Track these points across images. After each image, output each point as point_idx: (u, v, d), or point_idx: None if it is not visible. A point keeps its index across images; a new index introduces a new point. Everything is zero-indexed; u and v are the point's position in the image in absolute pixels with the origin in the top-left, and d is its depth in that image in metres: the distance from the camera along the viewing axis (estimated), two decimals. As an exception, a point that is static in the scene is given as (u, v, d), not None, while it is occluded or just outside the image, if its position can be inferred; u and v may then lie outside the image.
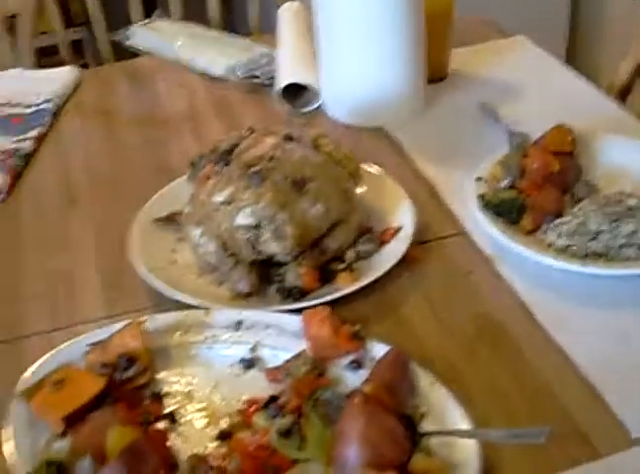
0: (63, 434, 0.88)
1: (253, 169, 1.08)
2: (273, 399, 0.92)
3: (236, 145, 1.19)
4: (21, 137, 1.51)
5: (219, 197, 1.08)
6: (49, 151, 1.51)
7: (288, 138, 1.15)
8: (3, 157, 1.44)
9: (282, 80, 1.52)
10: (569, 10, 2.91)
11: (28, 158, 1.47)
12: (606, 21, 2.83)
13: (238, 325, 1.01)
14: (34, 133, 1.52)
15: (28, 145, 1.49)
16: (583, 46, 2.89)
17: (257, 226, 1.06)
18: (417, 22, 1.41)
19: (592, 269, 1.06)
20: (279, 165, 1.09)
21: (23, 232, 1.30)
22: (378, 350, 0.95)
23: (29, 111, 1.59)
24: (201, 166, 1.19)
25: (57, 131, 1.57)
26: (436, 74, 1.54)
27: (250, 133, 1.20)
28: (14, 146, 1.48)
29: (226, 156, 1.15)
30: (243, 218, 1.06)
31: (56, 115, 1.61)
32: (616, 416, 0.91)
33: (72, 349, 0.99)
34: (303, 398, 0.90)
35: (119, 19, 2.04)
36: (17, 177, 1.42)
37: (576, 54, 2.87)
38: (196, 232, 1.12)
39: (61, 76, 1.70)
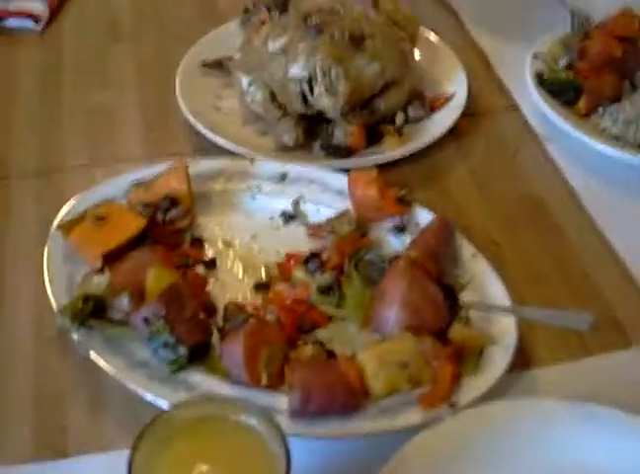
0: (100, 271, 0.88)
1: (310, 20, 1.05)
2: (314, 255, 0.91)
3: (291, -6, 1.15)
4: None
5: (274, 46, 1.06)
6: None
7: (348, -8, 1.11)
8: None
9: None
10: None
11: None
12: None
13: (282, 177, 1.00)
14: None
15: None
16: None
17: (310, 79, 1.03)
18: None
19: (643, 160, 1.04)
20: (338, 18, 1.06)
21: (63, 65, 1.27)
22: (423, 216, 0.94)
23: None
24: (256, 12, 1.15)
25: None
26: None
27: (308, -18, 1.16)
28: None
29: (283, 3, 1.11)
30: (297, 69, 1.04)
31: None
32: (653, 308, 0.91)
33: (114, 185, 0.98)
34: (345, 256, 0.89)
35: None
36: (57, 9, 1.38)
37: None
38: (245, 80, 1.09)
39: None
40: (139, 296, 0.84)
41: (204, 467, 0.62)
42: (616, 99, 1.12)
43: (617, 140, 1.07)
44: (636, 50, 1.19)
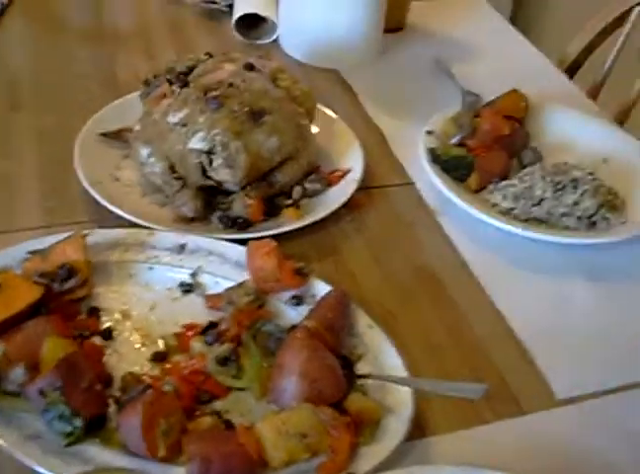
0: (-6, 341, 0.86)
1: (211, 94, 1.07)
2: (212, 325, 0.92)
3: (192, 68, 1.17)
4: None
5: (174, 118, 1.07)
6: (-8, 52, 1.45)
7: (249, 67, 1.13)
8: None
9: (241, 8, 1.49)
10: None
11: (-31, 55, 1.41)
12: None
13: (181, 248, 1.00)
14: (-23, 30, 1.46)
15: (-31, 42, 1.43)
16: (528, 7, 2.91)
17: (210, 151, 1.05)
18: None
19: (532, 233, 1.08)
20: (237, 93, 1.08)
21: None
22: (320, 288, 0.96)
23: (-27, 6, 1.52)
24: (156, 85, 1.16)
25: (3, 31, 1.51)
26: (393, 24, 1.54)
27: (208, 58, 1.18)
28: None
29: (183, 77, 1.13)
30: (197, 142, 1.05)
31: (3, 12, 1.54)
32: (544, 378, 0.93)
33: (9, 254, 0.97)
34: (243, 327, 0.90)
35: None
36: (-43, 74, 1.37)
37: (519, 15, 2.88)
38: (144, 151, 1.10)
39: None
40: (34, 367, 0.83)
41: None
42: (505, 175, 1.17)
43: (507, 214, 1.11)
44: (523, 129, 1.24)
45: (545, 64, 1.52)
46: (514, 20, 1.90)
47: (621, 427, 0.89)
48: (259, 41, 1.51)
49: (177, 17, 1.59)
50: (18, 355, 0.84)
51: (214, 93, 1.07)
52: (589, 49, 1.57)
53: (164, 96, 1.12)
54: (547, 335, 0.99)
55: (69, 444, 0.79)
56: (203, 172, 1.06)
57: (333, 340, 0.87)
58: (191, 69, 1.16)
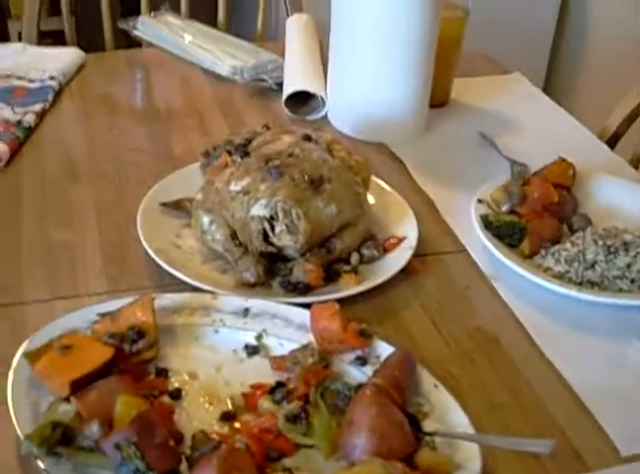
0: (66, 400, 0.88)
1: (272, 163, 1.10)
2: (279, 385, 0.93)
3: (250, 140, 1.21)
4: (23, 110, 1.49)
5: (236, 187, 1.09)
6: (51, 128, 1.50)
7: (306, 138, 1.16)
8: (5, 127, 1.43)
9: (291, 86, 1.54)
10: (550, 44, 2.98)
11: (29, 132, 1.46)
12: (587, 57, 2.90)
13: (245, 312, 1.02)
14: (37, 108, 1.51)
15: (30, 119, 1.48)
16: (561, 79, 2.96)
17: (271, 218, 1.07)
18: (429, 47, 1.44)
19: (586, 295, 1.10)
20: (297, 162, 1.11)
21: (23, 203, 1.29)
22: (383, 349, 0.97)
23: (33, 85, 1.58)
24: (215, 156, 1.20)
25: (59, 109, 1.56)
26: (438, 99, 1.57)
27: (265, 130, 1.22)
28: (16, 118, 1.47)
29: (243, 148, 1.16)
30: (258, 209, 1.07)
31: (59, 93, 1.60)
32: (607, 435, 0.94)
33: (79, 317, 0.99)
34: (311, 386, 0.91)
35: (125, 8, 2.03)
36: (17, 148, 1.41)
37: (555, 86, 2.94)
38: (206, 219, 1.12)
39: (66, 56, 1.70)
40: (108, 424, 0.84)
41: None
42: (556, 241, 1.18)
43: (560, 278, 1.12)
44: (571, 197, 1.26)
45: (587, 136, 1.55)
46: (547, 91, 1.93)
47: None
48: (308, 118, 1.55)
49: (228, 96, 1.64)
50: (91, 412, 0.86)
51: (275, 162, 1.10)
52: (630, 120, 1.60)
53: (225, 166, 1.15)
54: (606, 393, 0.99)
55: (145, 499, 0.80)
56: (265, 238, 1.09)
57: (400, 397, 0.88)
58: (249, 141, 1.20)
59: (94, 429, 0.84)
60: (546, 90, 2.28)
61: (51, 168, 1.38)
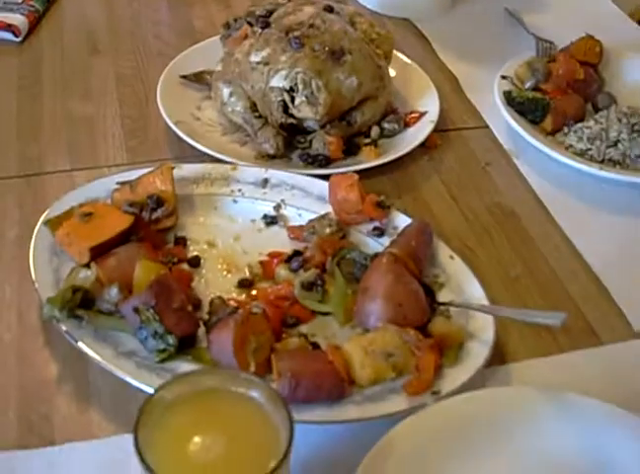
0: (87, 266, 0.88)
1: (293, 33, 1.08)
2: (296, 253, 0.93)
3: (272, 11, 1.18)
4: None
5: (256, 58, 1.08)
6: (70, 1, 1.47)
7: (328, 9, 1.14)
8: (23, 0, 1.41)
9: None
10: None
11: (48, 4, 1.44)
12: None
13: (264, 182, 1.02)
14: (55, -20, 1.48)
15: (48, -9, 1.45)
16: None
17: (291, 89, 1.06)
18: None
19: (608, 174, 1.08)
20: (318, 33, 1.09)
21: (43, 76, 1.27)
22: (400, 220, 0.97)
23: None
24: (236, 28, 1.17)
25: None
26: (464, -26, 1.53)
27: (287, 1, 1.19)
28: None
29: (264, 19, 1.14)
30: (278, 80, 1.06)
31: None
32: (621, 310, 0.94)
33: (99, 186, 0.99)
34: (328, 255, 0.91)
35: None
36: (36, 21, 1.39)
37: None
38: (225, 90, 1.11)
39: None
40: (127, 289, 0.85)
41: (206, 437, 0.62)
42: (580, 118, 1.16)
43: (582, 156, 1.11)
44: (597, 74, 1.23)
45: (616, 13, 1.51)
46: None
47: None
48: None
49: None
50: (110, 277, 0.86)
51: (296, 33, 1.08)
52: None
53: (245, 37, 1.13)
54: (622, 270, 0.99)
55: (162, 361, 0.81)
56: (285, 110, 1.07)
57: (416, 267, 0.89)
58: (270, 12, 1.17)
59: (113, 293, 0.85)
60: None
61: (71, 40, 1.36)
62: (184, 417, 0.64)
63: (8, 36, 1.33)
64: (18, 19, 1.35)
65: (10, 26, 1.34)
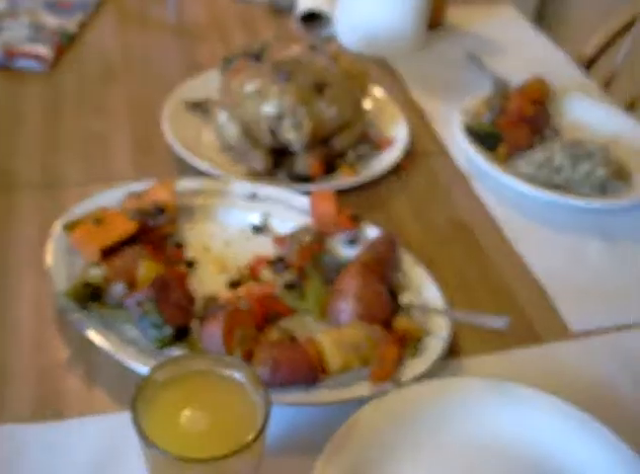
0: (97, 264, 0.89)
1: (282, 68, 1.09)
2: (280, 258, 0.94)
3: (264, 49, 1.19)
4: (67, 20, 1.47)
5: (249, 87, 1.09)
6: (90, 36, 1.48)
7: (313, 48, 1.15)
8: (50, 34, 1.42)
9: (303, 5, 1.51)
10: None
11: (71, 38, 1.45)
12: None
13: (253, 196, 1.02)
14: (78, 18, 1.49)
15: (72, 27, 1.46)
16: (551, 12, 2.90)
17: (279, 116, 1.07)
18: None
19: (552, 196, 1.09)
20: (304, 68, 1.10)
21: (65, 98, 1.28)
22: (371, 232, 0.98)
23: (74, -1, 1.56)
24: (234, 61, 1.18)
25: (98, 20, 1.54)
26: (433, 22, 1.55)
27: (278, 40, 1.20)
28: (60, 26, 1.45)
29: (257, 55, 1.15)
30: (268, 107, 1.07)
31: (99, 5, 1.58)
32: (560, 314, 0.95)
33: (109, 195, 1.00)
34: (307, 260, 0.92)
35: None
36: (60, 53, 1.40)
37: (542, 16, 2.88)
38: (223, 115, 1.12)
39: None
40: (131, 285, 0.86)
41: (194, 412, 0.63)
42: (529, 148, 1.18)
43: (530, 180, 1.12)
44: (545, 111, 1.25)
45: (564, 59, 1.53)
46: (537, 23, 1.89)
47: (628, 361, 0.90)
48: (318, 34, 1.52)
49: (246, 13, 1.61)
50: (117, 275, 0.87)
51: (285, 67, 1.09)
52: (603, 48, 1.57)
53: (241, 70, 1.14)
54: (561, 278, 1.00)
55: (160, 348, 0.82)
56: (273, 134, 1.08)
57: (382, 272, 0.89)
58: (263, 50, 1.18)
59: (119, 288, 0.85)
60: (537, 22, 2.22)
61: (90, 69, 1.37)
62: (175, 394, 0.65)
63: (36, 65, 1.34)
64: (45, 50, 1.36)
65: (38, 56, 1.34)
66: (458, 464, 0.75)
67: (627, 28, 1.58)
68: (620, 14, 1.58)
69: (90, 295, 0.85)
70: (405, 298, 0.90)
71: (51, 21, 1.47)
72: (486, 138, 1.17)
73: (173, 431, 0.61)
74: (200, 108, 1.21)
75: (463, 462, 0.75)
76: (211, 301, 0.88)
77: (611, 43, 1.58)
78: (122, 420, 0.77)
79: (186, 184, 1.03)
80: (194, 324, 0.85)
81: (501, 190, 1.13)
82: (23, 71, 1.34)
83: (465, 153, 1.18)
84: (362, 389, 0.79)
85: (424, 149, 1.22)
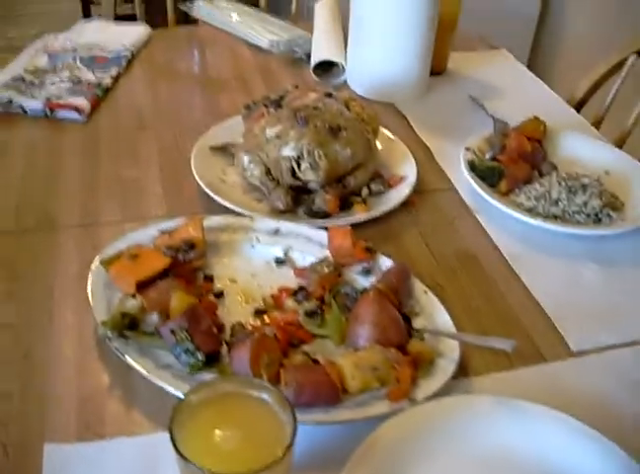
0: (133, 296, 0.90)
1: (300, 113, 1.10)
2: (301, 288, 0.94)
3: (283, 96, 1.21)
4: (102, 74, 1.50)
5: (271, 132, 1.10)
6: (124, 88, 1.51)
7: (328, 95, 1.17)
8: (87, 87, 1.44)
9: (317, 56, 1.53)
10: (535, 26, 2.92)
11: (106, 91, 1.47)
12: (564, 40, 2.86)
13: (276, 231, 1.03)
14: (113, 72, 1.52)
15: (107, 81, 1.49)
16: (542, 57, 2.93)
17: (298, 158, 1.08)
18: (430, 25, 1.43)
19: (550, 226, 1.10)
20: (320, 113, 1.11)
21: (101, 145, 1.30)
22: (385, 262, 0.98)
23: (110, 55, 1.58)
24: (255, 108, 1.20)
25: (131, 74, 1.56)
26: (436, 68, 1.56)
27: (296, 89, 1.22)
28: (97, 80, 1.47)
29: (277, 102, 1.17)
30: (288, 150, 1.08)
31: (131, 61, 1.60)
32: (562, 336, 0.95)
33: (143, 233, 1.01)
34: (326, 290, 0.92)
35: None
36: (97, 104, 1.42)
37: (534, 62, 2.90)
38: (246, 158, 1.13)
39: (137, 31, 1.70)
40: (165, 315, 0.87)
41: (226, 430, 0.63)
42: (528, 182, 1.18)
43: (530, 212, 1.12)
44: (542, 148, 1.26)
45: (558, 101, 1.54)
46: (530, 66, 1.90)
47: (624, 377, 0.89)
48: (331, 81, 1.54)
49: (266, 64, 1.63)
50: (152, 306, 0.88)
51: (302, 113, 1.10)
52: (593, 90, 1.58)
53: (262, 116, 1.15)
54: (563, 303, 1.00)
55: (193, 373, 0.82)
56: (293, 174, 1.09)
57: (396, 300, 0.90)
58: (282, 97, 1.20)
59: (154, 318, 0.86)
60: (530, 66, 2.24)
61: (123, 119, 1.39)
62: (208, 415, 0.65)
63: (75, 115, 1.36)
64: (83, 102, 1.38)
65: (77, 107, 1.36)
66: (471, 477, 0.75)
67: (614, 71, 1.59)
68: (608, 59, 1.59)
69: (127, 325, 0.86)
70: (418, 323, 0.90)
71: (89, 75, 1.49)
72: (488, 174, 1.18)
73: (208, 448, 0.61)
74: (225, 151, 1.22)
75: (476, 475, 0.75)
76: (239, 329, 0.89)
77: (600, 85, 1.59)
78: (159, 440, 0.77)
79: (213, 221, 1.04)
80: (223, 350, 0.86)
81: (503, 221, 1.13)
82: (63, 121, 1.36)
83: (470, 188, 1.18)
84: (381, 408, 0.79)
85: (431, 186, 1.23)
